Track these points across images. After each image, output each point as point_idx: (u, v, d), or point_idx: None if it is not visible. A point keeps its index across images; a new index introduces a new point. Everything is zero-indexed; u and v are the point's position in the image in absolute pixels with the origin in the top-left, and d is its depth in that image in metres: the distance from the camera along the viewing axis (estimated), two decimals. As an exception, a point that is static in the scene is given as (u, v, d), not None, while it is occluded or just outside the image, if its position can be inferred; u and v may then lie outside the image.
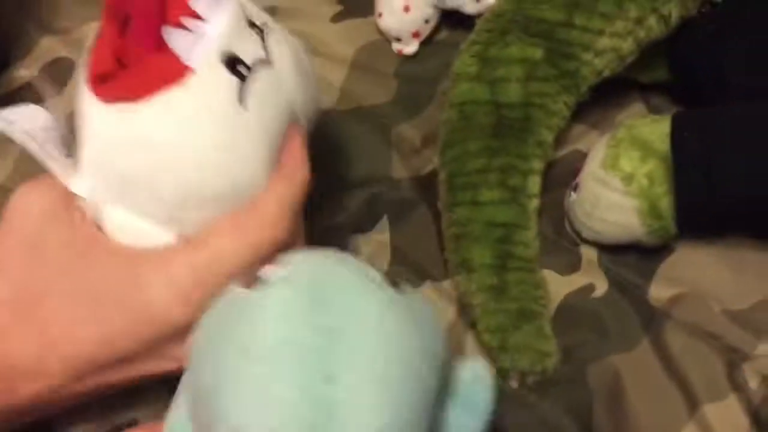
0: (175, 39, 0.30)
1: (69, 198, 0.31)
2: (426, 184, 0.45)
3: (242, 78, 0.31)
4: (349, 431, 0.23)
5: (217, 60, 0.30)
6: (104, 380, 0.30)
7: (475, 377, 0.30)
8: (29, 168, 0.43)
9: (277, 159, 0.33)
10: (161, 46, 0.30)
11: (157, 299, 0.29)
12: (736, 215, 0.40)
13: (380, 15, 0.48)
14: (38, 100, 0.47)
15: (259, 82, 0.31)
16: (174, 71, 0.30)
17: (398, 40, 0.48)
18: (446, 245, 0.41)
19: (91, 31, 0.49)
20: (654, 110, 0.48)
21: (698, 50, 0.43)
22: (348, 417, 0.23)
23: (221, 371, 0.24)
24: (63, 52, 0.49)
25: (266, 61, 0.32)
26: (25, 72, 0.48)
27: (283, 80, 0.33)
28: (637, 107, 0.48)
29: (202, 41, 0.30)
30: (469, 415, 0.29)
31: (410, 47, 0.48)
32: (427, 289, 0.42)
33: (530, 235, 0.41)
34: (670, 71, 0.46)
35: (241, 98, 0.30)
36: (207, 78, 0.30)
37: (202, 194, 0.31)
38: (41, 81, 0.41)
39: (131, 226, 0.31)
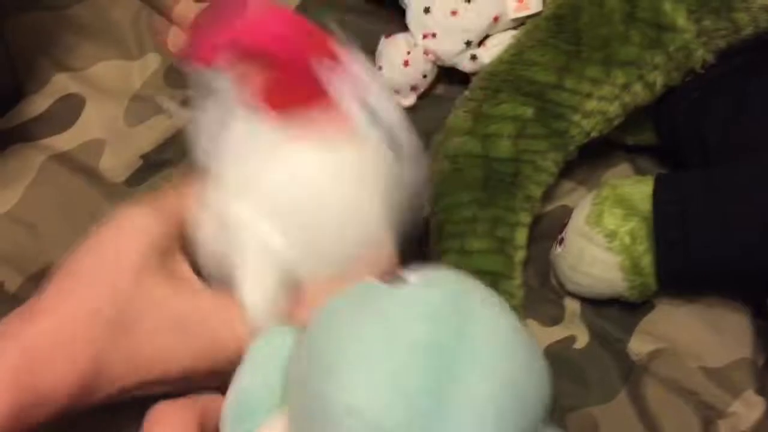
0: (334, 84, 0.31)
1: (175, 232, 0.33)
2: (417, 233, 0.47)
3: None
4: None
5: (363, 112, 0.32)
6: (160, 390, 0.32)
7: None
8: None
9: None
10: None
11: (235, 334, 0.32)
12: (712, 277, 0.41)
13: (380, 68, 0.50)
14: (48, 132, 0.49)
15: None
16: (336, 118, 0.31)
17: (397, 92, 0.50)
18: None
19: (103, 70, 0.51)
20: (640, 171, 0.49)
21: (682, 115, 0.45)
22: (458, 419, 0.24)
23: (349, 353, 0.25)
24: (74, 89, 0.51)
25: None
26: (37, 106, 0.50)
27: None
28: (624, 167, 0.50)
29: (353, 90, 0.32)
30: None
31: (408, 100, 0.50)
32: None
33: (515, 285, 0.42)
34: (655, 134, 0.48)
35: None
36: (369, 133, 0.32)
37: (342, 249, 0.32)
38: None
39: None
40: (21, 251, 0.45)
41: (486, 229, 0.42)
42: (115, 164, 0.48)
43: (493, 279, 0.41)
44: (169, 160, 0.48)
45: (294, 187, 0.32)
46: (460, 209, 0.42)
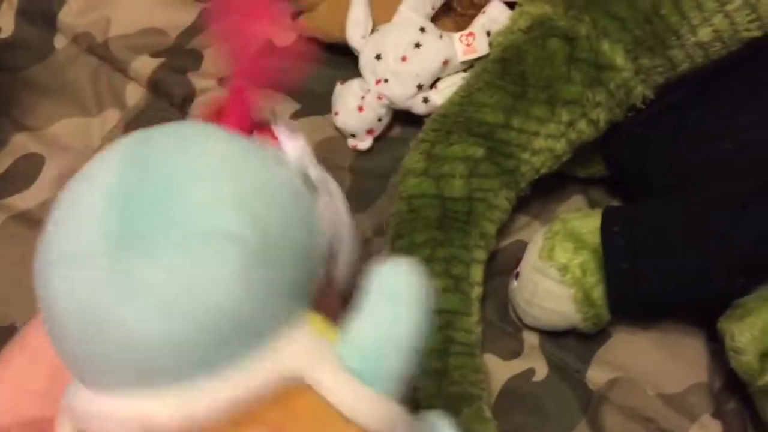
0: None
1: None
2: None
3: None
4: None
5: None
6: None
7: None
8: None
9: None
10: None
11: None
12: (662, 305, 0.43)
13: (336, 114, 0.51)
14: (7, 192, 0.49)
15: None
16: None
17: (353, 136, 0.51)
18: None
19: (62, 128, 0.52)
20: (593, 202, 0.51)
21: (627, 150, 0.47)
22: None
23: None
24: (33, 148, 0.51)
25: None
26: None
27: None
28: (577, 199, 0.51)
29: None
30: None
31: (364, 143, 0.51)
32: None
33: (473, 322, 0.43)
34: (605, 167, 0.49)
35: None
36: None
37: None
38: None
39: None
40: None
41: (441, 269, 0.43)
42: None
43: (450, 317, 0.42)
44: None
45: None
46: (416, 249, 0.43)
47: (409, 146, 0.47)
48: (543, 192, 0.49)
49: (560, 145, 0.45)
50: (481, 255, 0.44)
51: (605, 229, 0.42)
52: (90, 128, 0.52)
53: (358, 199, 0.50)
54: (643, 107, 0.45)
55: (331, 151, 0.52)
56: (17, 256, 0.47)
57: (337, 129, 0.52)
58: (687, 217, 0.42)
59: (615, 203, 0.50)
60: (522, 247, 0.48)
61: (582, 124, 0.45)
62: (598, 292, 0.42)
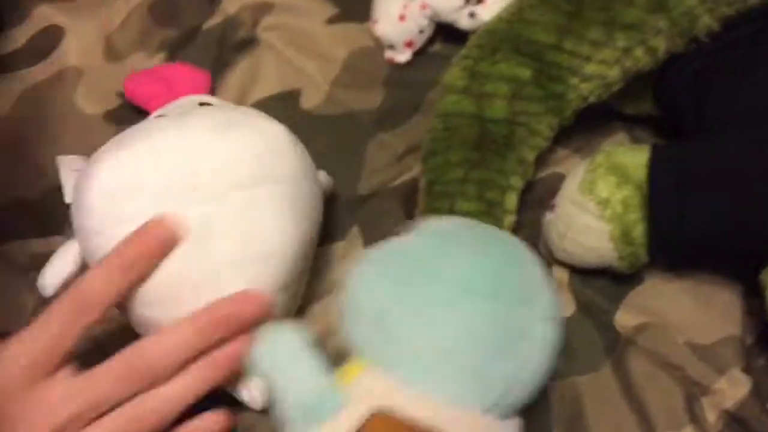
0: None
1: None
2: (404, 193, 0.45)
3: None
4: None
5: None
6: None
7: None
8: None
9: None
10: None
11: None
12: (705, 249, 0.40)
13: (375, 22, 0.48)
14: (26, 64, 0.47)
15: None
16: None
17: (391, 47, 0.48)
18: None
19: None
20: (636, 141, 0.48)
21: (683, 85, 0.44)
22: None
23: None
24: (55, 20, 0.49)
25: None
26: (16, 38, 0.48)
27: None
28: (621, 136, 0.48)
29: None
30: None
31: (403, 56, 0.49)
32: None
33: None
34: (654, 104, 0.46)
35: None
36: None
37: None
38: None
39: None
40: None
41: (475, 191, 0.40)
42: (91, 98, 0.47)
43: None
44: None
45: None
46: (450, 169, 0.41)
47: (449, 63, 0.44)
48: (586, 126, 0.46)
49: (613, 73, 0.42)
50: (517, 182, 0.42)
51: (654, 165, 0.40)
52: (114, 4, 0.49)
53: (391, 116, 0.48)
54: (707, 41, 0.42)
55: (366, 62, 0.49)
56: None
57: (374, 39, 0.49)
58: (743, 159, 0.39)
59: (660, 143, 0.48)
60: (559, 179, 0.46)
61: (639, 52, 0.42)
62: (639, 231, 0.40)
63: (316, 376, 0.31)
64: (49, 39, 0.48)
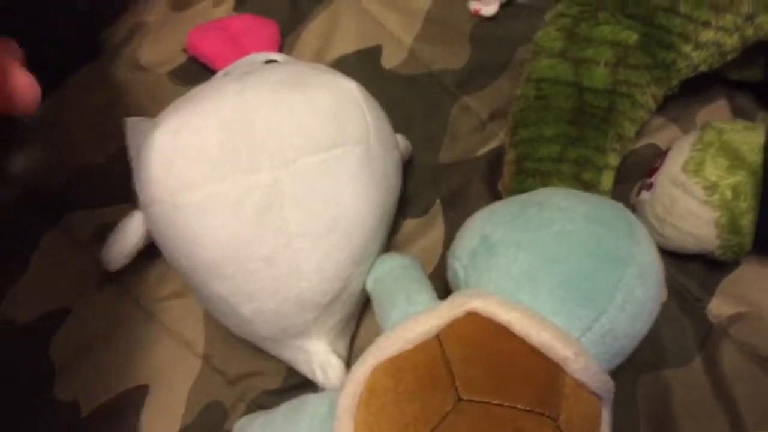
0: None
1: None
2: (487, 163, 0.42)
3: None
4: None
5: None
6: None
7: None
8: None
9: None
10: None
11: None
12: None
13: (461, -30, 0.44)
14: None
15: None
16: None
17: (477, -1, 0.44)
18: None
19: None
20: (738, 110, 0.44)
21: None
22: None
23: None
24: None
25: None
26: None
27: None
28: (721, 105, 0.44)
29: None
30: None
31: (490, 8, 0.44)
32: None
33: None
34: (765, 72, 0.42)
35: None
36: None
37: None
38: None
39: None
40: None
41: (572, 172, 0.37)
42: (157, 53, 0.44)
43: None
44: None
45: None
46: (544, 144, 0.38)
47: (541, 17, 0.40)
48: (682, 91, 0.42)
49: (731, 41, 0.38)
50: (614, 160, 0.39)
51: (771, 148, 0.36)
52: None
53: (476, 76, 0.44)
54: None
55: (449, 14, 0.45)
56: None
57: (459, -13, 0.45)
58: None
59: (764, 115, 0.44)
60: (653, 152, 0.43)
61: (764, 19, 0.37)
62: (748, 220, 0.37)
63: (424, 292, 0.33)
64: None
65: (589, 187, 0.37)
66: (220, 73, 0.40)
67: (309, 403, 0.31)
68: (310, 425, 0.30)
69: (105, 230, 0.37)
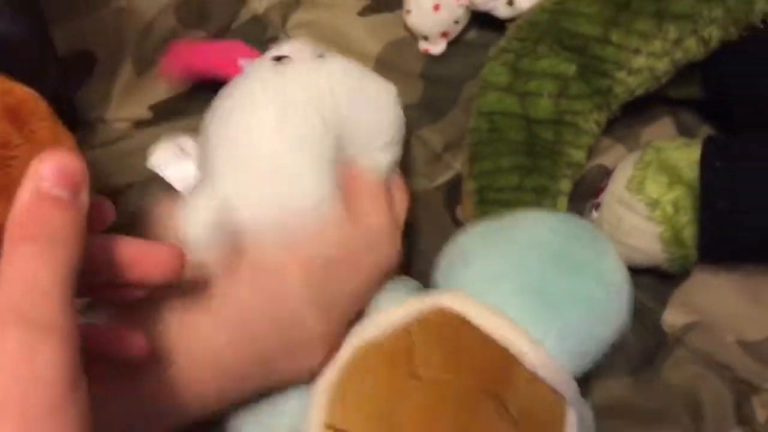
0: None
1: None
2: (445, 192, 0.44)
3: None
4: None
5: None
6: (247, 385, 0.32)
7: None
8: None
9: None
10: None
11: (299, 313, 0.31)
12: (759, 251, 0.39)
13: (408, 12, 0.46)
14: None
15: None
16: None
17: (425, 38, 0.47)
18: None
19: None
20: (682, 127, 0.46)
21: (736, 71, 0.42)
22: None
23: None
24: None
25: None
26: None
27: None
28: (666, 123, 0.47)
29: None
30: None
31: (437, 47, 0.47)
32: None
33: None
34: (703, 89, 0.45)
35: None
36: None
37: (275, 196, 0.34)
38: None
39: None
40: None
41: (532, 200, 0.39)
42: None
43: None
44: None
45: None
46: (503, 175, 0.40)
47: (486, 52, 0.43)
48: (628, 113, 0.44)
49: (662, 65, 0.40)
50: (566, 186, 0.41)
51: (705, 164, 0.38)
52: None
53: (429, 110, 0.46)
54: (762, 27, 0.39)
55: (400, 54, 0.47)
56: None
57: (407, 29, 0.47)
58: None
59: (706, 129, 0.46)
60: (602, 172, 0.45)
61: (690, 43, 0.40)
62: (689, 232, 0.39)
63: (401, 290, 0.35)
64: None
65: (545, 212, 0.40)
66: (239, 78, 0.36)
67: (292, 390, 0.34)
68: (291, 408, 0.33)
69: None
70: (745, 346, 0.41)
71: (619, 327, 0.34)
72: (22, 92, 0.25)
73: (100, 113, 0.46)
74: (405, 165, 0.44)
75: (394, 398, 0.29)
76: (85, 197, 0.22)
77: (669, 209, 0.39)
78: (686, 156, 0.39)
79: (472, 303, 0.31)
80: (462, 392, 0.29)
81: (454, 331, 0.31)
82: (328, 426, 0.30)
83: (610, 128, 0.45)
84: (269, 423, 0.33)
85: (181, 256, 0.26)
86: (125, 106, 0.46)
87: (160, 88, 0.47)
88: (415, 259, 0.42)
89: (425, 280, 0.41)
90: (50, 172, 0.21)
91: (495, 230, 0.35)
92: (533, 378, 0.30)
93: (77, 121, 0.46)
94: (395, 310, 0.32)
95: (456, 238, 0.36)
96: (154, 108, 0.46)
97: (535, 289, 0.32)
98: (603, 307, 0.32)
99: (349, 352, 0.31)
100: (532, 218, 0.35)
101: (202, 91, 0.46)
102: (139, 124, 0.46)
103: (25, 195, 0.21)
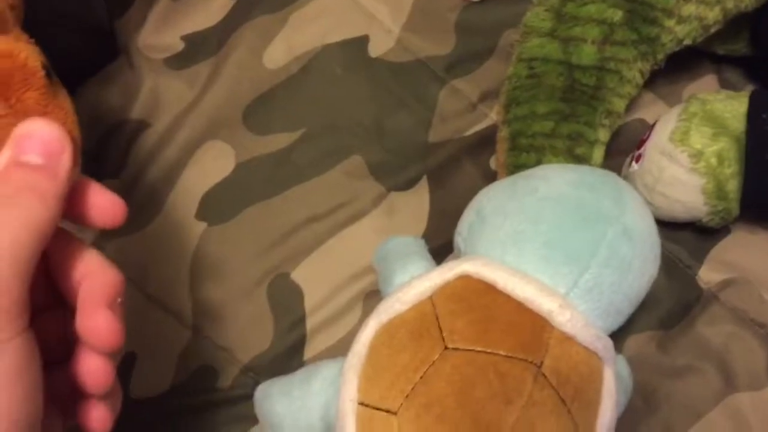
0: None
1: None
2: (477, 143, 0.44)
3: None
4: None
5: None
6: None
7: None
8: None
9: None
10: None
11: None
12: (804, 205, 0.38)
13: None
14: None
15: None
16: None
17: (467, -16, 0.46)
18: None
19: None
20: (726, 84, 0.46)
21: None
22: None
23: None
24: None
25: None
26: None
27: None
28: (709, 80, 0.46)
29: None
30: None
31: (478, -6, 0.46)
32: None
33: None
34: (750, 45, 0.43)
35: None
36: None
37: None
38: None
39: None
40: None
41: (565, 146, 0.39)
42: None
43: None
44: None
45: None
46: (537, 121, 0.39)
47: (525, 2, 0.42)
48: (670, 67, 0.43)
49: (713, 14, 0.39)
50: (604, 135, 0.40)
51: (752, 115, 0.38)
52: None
53: (464, 61, 0.45)
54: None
55: (435, 3, 0.46)
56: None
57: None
58: None
59: (751, 88, 0.45)
60: (643, 126, 0.44)
61: (744, -9, 0.39)
62: (733, 185, 0.38)
63: (420, 261, 0.35)
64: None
65: (581, 160, 0.39)
66: None
67: (323, 366, 0.33)
68: (321, 385, 0.32)
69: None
70: (782, 304, 0.40)
71: (647, 280, 0.33)
72: (19, 57, 0.25)
73: (135, 41, 0.46)
74: (434, 114, 0.44)
75: (428, 372, 0.28)
76: (64, 164, 0.23)
77: (713, 161, 0.38)
78: (732, 108, 0.38)
79: (494, 267, 0.30)
80: (495, 360, 0.28)
81: (479, 297, 0.30)
82: (362, 403, 0.29)
83: (652, 83, 0.44)
84: (301, 398, 0.33)
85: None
86: (158, 34, 0.46)
87: (195, 17, 0.46)
88: (433, 207, 0.42)
89: (453, 231, 0.41)
90: (25, 139, 0.22)
91: (510, 187, 0.34)
92: (565, 338, 0.29)
93: (117, 50, 0.45)
94: (418, 282, 0.31)
95: (474, 200, 0.35)
96: (186, 38, 0.46)
97: (554, 244, 0.30)
98: (628, 260, 0.31)
99: (374, 328, 0.30)
100: (546, 171, 0.34)
101: (235, 26, 0.45)
102: (169, 60, 0.46)
103: (1, 161, 0.22)
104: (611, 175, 0.34)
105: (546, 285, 0.30)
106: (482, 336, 0.28)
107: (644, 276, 0.33)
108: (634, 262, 0.32)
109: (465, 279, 0.30)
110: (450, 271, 0.31)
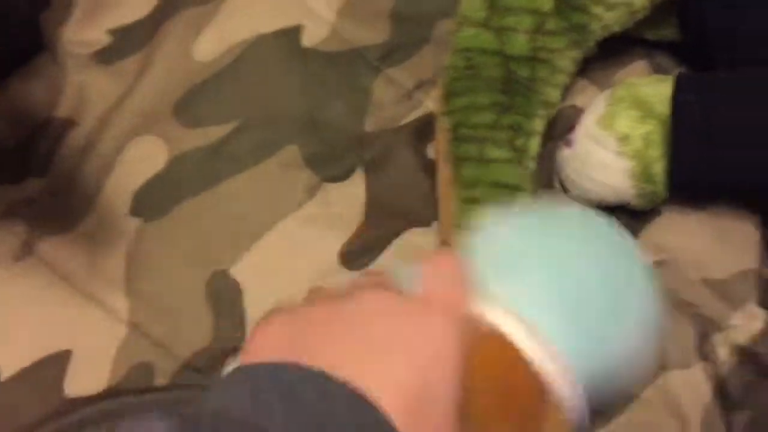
0: None
1: None
2: (414, 131, 0.44)
3: None
4: None
5: None
6: None
7: None
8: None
9: None
10: None
11: None
12: (730, 183, 0.39)
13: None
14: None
15: None
16: None
17: (402, -27, 0.46)
18: (444, 200, 0.40)
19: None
20: (658, 69, 0.46)
21: (712, 11, 0.41)
22: None
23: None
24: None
25: None
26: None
27: None
28: (640, 65, 0.46)
29: None
30: None
31: (414, -18, 0.46)
32: (414, 236, 0.42)
33: (527, 199, 0.40)
34: (679, 30, 0.44)
35: None
36: None
37: None
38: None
39: None
40: None
41: (506, 137, 0.39)
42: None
43: (510, 192, 0.39)
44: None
45: None
46: (478, 112, 0.39)
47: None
48: (603, 54, 0.44)
49: (640, 0, 0.40)
50: (540, 126, 0.40)
51: (678, 98, 0.38)
52: None
53: (399, 49, 0.45)
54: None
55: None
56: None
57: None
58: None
59: (684, 72, 0.46)
60: (576, 113, 0.44)
61: (669, -24, 0.39)
62: (659, 168, 0.39)
63: None
64: None
65: (520, 152, 0.39)
66: None
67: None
68: None
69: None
70: (710, 284, 0.41)
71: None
72: None
73: (60, 35, 0.45)
74: (369, 103, 0.44)
75: None
76: None
77: (639, 144, 0.39)
78: (658, 91, 0.39)
79: (524, 327, 0.27)
80: None
81: (507, 369, 0.26)
82: None
83: (584, 69, 0.45)
84: None
85: None
86: (83, 28, 0.45)
87: (122, 10, 0.45)
88: (370, 197, 0.42)
89: (390, 222, 0.41)
90: None
91: (526, 226, 0.30)
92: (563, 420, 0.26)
93: (41, 44, 0.44)
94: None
95: (492, 231, 0.31)
96: (113, 32, 0.45)
97: (565, 301, 0.28)
98: (637, 324, 0.29)
99: None
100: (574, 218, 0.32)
101: (164, 18, 0.45)
102: (95, 55, 0.45)
103: None
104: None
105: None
106: (501, 413, 0.27)
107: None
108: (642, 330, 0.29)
109: (497, 339, 0.27)
110: (485, 322, 0.27)
